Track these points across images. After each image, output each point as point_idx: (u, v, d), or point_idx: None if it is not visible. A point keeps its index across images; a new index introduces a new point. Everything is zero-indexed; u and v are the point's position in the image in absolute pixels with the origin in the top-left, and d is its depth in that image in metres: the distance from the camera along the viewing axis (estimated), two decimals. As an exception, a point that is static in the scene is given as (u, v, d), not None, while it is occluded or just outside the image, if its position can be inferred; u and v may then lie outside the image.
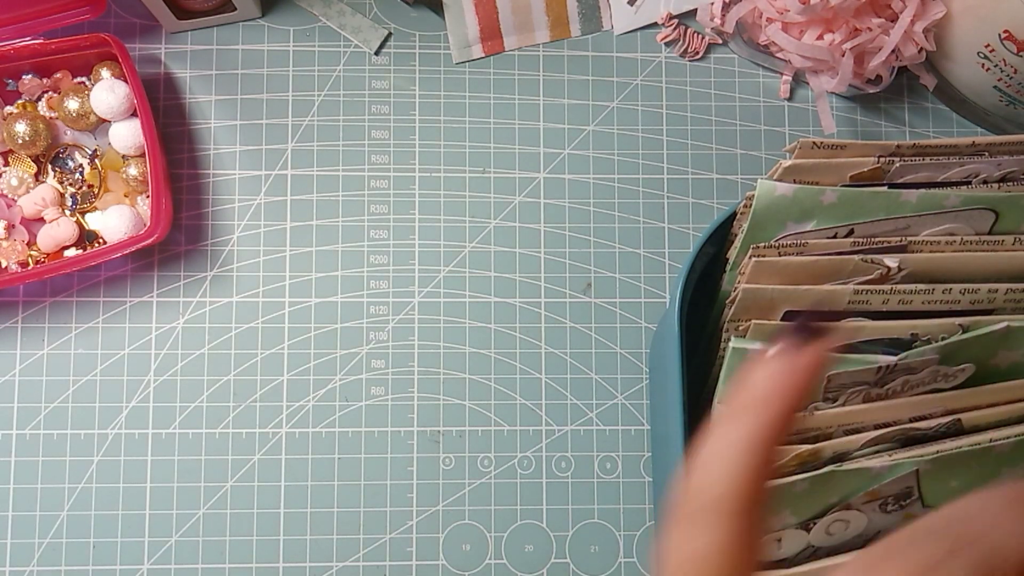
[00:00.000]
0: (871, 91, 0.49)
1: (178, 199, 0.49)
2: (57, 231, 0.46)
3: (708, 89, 0.51)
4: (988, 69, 0.47)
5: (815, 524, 0.36)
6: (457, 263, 0.49)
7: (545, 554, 0.47)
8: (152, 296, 0.48)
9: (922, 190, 0.37)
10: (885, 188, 0.37)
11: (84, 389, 0.47)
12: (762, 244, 0.37)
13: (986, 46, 0.46)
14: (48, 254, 0.47)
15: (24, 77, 0.48)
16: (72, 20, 0.47)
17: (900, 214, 0.37)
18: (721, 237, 0.41)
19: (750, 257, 0.37)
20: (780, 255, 0.37)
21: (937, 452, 0.35)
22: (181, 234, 0.49)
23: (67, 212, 0.47)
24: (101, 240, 0.47)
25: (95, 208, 0.48)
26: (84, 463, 0.47)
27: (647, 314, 0.49)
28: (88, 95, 0.46)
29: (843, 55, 0.47)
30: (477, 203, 0.50)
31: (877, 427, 0.36)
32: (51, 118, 0.48)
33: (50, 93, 0.48)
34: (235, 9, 0.49)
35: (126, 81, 0.46)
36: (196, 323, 0.48)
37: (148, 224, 0.45)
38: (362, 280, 0.49)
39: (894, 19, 0.48)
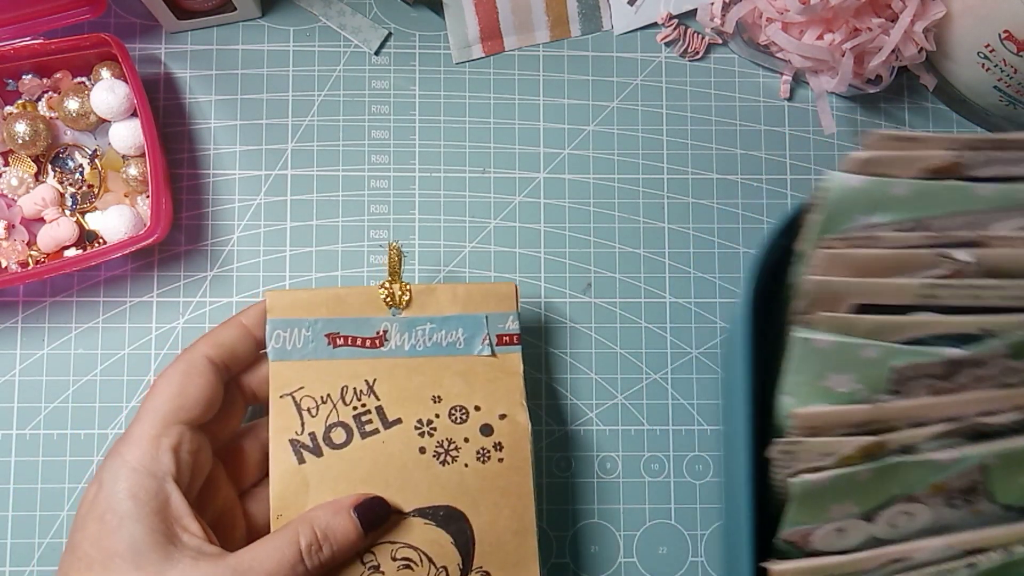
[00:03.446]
0: (871, 91, 0.49)
1: (178, 199, 0.49)
2: (57, 231, 0.46)
3: (708, 89, 0.51)
4: (988, 69, 0.47)
5: (879, 515, 0.36)
6: (457, 263, 0.49)
7: (545, 554, 0.47)
8: (152, 296, 0.48)
9: (997, 184, 0.36)
10: (959, 182, 0.37)
11: (84, 389, 0.47)
12: (832, 236, 0.37)
13: (986, 46, 0.46)
14: (48, 254, 0.47)
15: (24, 77, 0.48)
16: (72, 20, 0.47)
17: (973, 208, 0.37)
18: (790, 231, 0.40)
19: (820, 249, 0.36)
20: (850, 247, 0.36)
21: (1005, 448, 0.35)
22: (181, 234, 0.49)
23: (67, 212, 0.47)
24: (101, 240, 0.47)
25: (95, 208, 0.48)
26: (84, 463, 0.47)
27: (647, 314, 0.49)
28: (88, 95, 0.46)
29: (843, 55, 0.47)
30: (477, 203, 0.50)
31: (943, 421, 0.36)
32: (51, 118, 0.48)
33: (50, 93, 0.48)
34: (235, 9, 0.49)
35: (126, 81, 0.46)
36: (196, 323, 0.48)
37: (148, 224, 0.45)
38: (362, 280, 0.49)
39: (894, 19, 0.48)
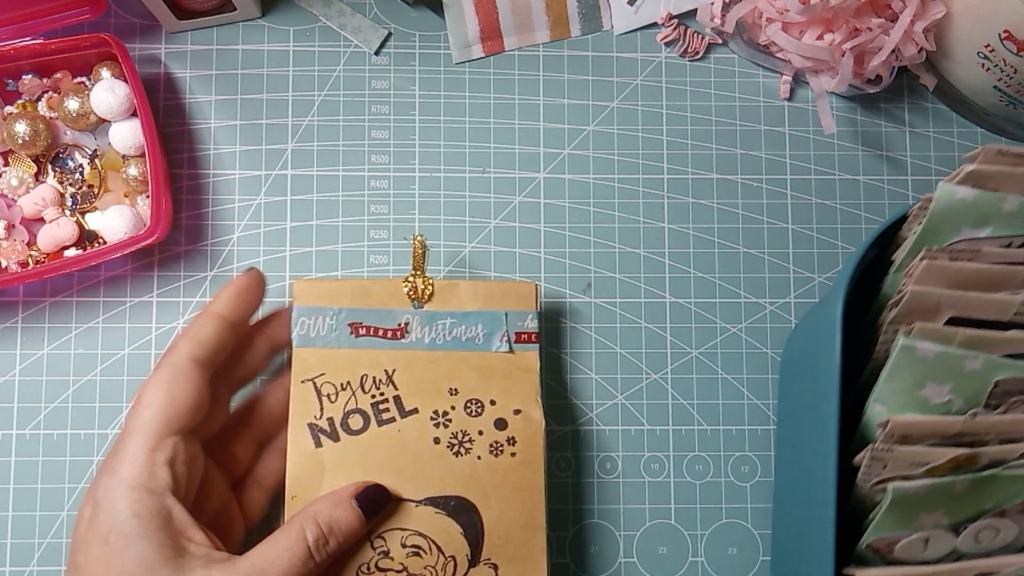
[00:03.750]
0: (871, 91, 0.49)
1: (178, 199, 0.49)
2: (57, 231, 0.46)
3: (708, 89, 0.51)
4: (988, 69, 0.47)
5: (965, 528, 0.36)
6: (457, 263, 0.49)
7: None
8: (152, 296, 0.48)
9: None
10: None
11: (84, 389, 0.47)
12: (935, 247, 0.37)
13: (986, 46, 0.46)
14: (48, 254, 0.47)
15: (24, 77, 0.48)
16: (72, 20, 0.47)
17: None
18: (879, 240, 0.40)
19: (921, 259, 0.36)
20: (952, 259, 0.36)
21: None
22: (181, 234, 0.49)
23: (67, 212, 0.47)
24: (101, 240, 0.47)
25: (95, 208, 0.48)
26: (84, 463, 0.47)
27: (647, 314, 0.49)
28: (88, 95, 0.46)
29: (843, 55, 0.47)
30: (477, 203, 0.50)
31: None
32: (51, 118, 0.48)
33: (50, 93, 0.48)
34: (235, 9, 0.49)
35: (126, 81, 0.46)
36: (196, 323, 0.48)
37: (148, 224, 0.45)
38: (362, 280, 0.49)
39: (894, 19, 0.48)
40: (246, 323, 0.41)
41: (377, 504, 0.39)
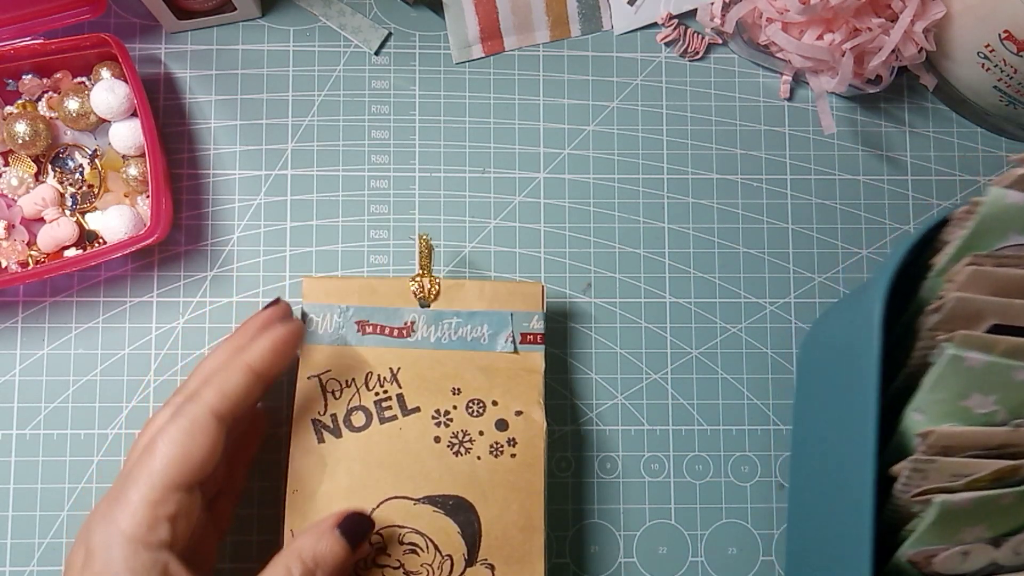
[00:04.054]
0: (871, 91, 0.49)
1: (178, 199, 0.49)
2: (57, 231, 0.46)
3: (708, 89, 0.51)
4: (988, 69, 0.47)
5: (1006, 541, 0.36)
6: (457, 263, 0.49)
7: (546, 554, 0.47)
8: (152, 296, 0.48)
9: None
10: None
11: (84, 389, 0.47)
12: (981, 252, 0.36)
13: (986, 46, 0.46)
14: (48, 254, 0.47)
15: (24, 77, 0.48)
16: (72, 20, 0.47)
17: None
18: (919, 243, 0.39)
19: (966, 265, 0.35)
20: (998, 265, 0.36)
21: None
22: (181, 234, 0.49)
23: (67, 212, 0.47)
24: (101, 240, 0.47)
25: (95, 208, 0.48)
26: (84, 463, 0.47)
27: (647, 314, 0.49)
28: (88, 95, 0.46)
29: (843, 55, 0.47)
30: (477, 203, 0.50)
31: None
32: (51, 118, 0.48)
33: (50, 93, 0.48)
34: (235, 9, 0.49)
35: (126, 81, 0.46)
36: (196, 323, 0.48)
37: (148, 224, 0.45)
38: (362, 280, 0.49)
39: (894, 19, 0.48)
40: (276, 377, 0.39)
41: (361, 530, 0.39)
